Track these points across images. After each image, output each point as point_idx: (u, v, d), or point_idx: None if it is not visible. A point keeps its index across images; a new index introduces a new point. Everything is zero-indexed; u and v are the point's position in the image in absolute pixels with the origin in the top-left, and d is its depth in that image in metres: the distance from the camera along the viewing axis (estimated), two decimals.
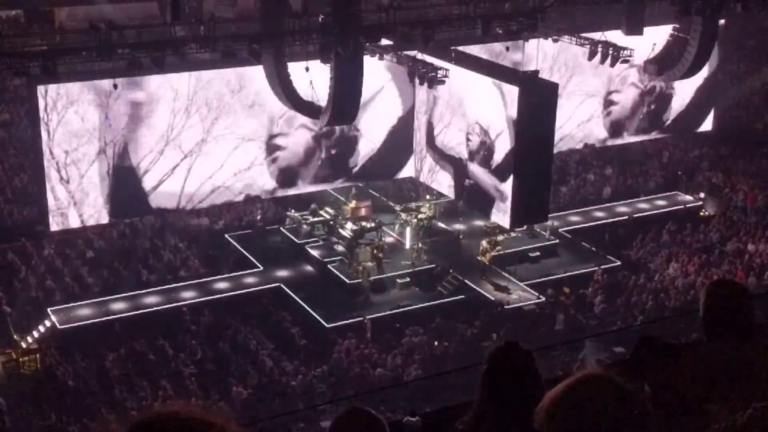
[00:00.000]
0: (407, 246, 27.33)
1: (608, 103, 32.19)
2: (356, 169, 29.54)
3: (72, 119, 24.88)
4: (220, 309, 24.33)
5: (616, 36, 28.15)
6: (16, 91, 28.62)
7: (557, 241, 28.27)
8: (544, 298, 25.36)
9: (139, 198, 26.49)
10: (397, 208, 29.01)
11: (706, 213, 30.27)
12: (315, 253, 27.20)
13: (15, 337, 22.32)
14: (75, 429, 19.38)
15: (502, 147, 25.62)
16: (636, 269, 26.73)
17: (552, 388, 2.84)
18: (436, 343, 22.99)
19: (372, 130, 28.90)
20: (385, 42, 25.38)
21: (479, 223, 28.51)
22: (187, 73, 25.41)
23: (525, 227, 27.71)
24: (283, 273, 26.30)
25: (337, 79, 22.84)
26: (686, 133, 34.22)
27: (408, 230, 27.60)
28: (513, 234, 27.87)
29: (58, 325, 23.19)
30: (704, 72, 30.06)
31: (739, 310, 4.59)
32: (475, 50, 28.04)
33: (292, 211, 28.48)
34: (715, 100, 33.50)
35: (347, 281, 25.67)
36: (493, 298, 25.30)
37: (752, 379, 4.22)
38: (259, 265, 26.53)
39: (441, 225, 28.76)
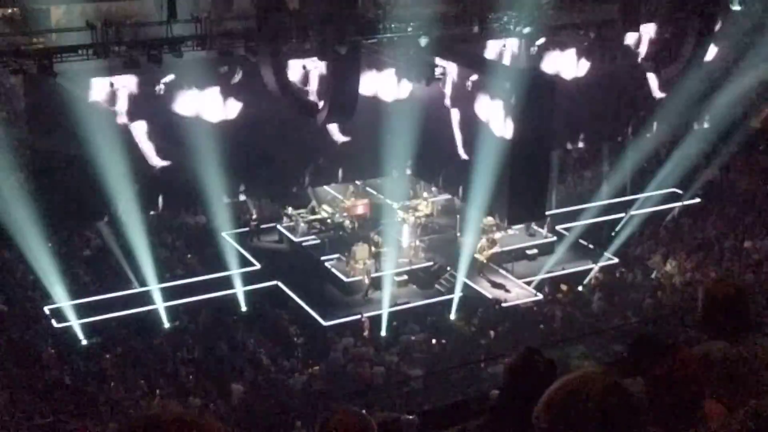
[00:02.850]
0: (405, 244, 27.33)
1: None
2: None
3: None
4: (218, 307, 24.33)
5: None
6: (13, 89, 28.54)
7: (554, 238, 28.29)
8: (542, 296, 25.37)
9: None
10: (395, 205, 29.02)
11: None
12: (312, 251, 27.21)
13: None
14: (72, 427, 19.37)
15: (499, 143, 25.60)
16: (634, 266, 26.74)
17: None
18: (434, 341, 23.00)
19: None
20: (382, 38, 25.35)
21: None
22: None
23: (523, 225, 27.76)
24: (280, 271, 26.25)
25: (335, 76, 22.81)
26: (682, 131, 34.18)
27: (405, 228, 27.59)
28: (511, 231, 27.91)
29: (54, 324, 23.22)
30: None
31: (736, 308, 4.60)
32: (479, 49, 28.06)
33: (290, 209, 28.47)
34: (712, 97, 33.45)
35: (345, 279, 25.67)
36: (490, 296, 25.30)
37: (749, 377, 4.21)
38: (256, 263, 26.52)
39: (439, 222, 28.80)
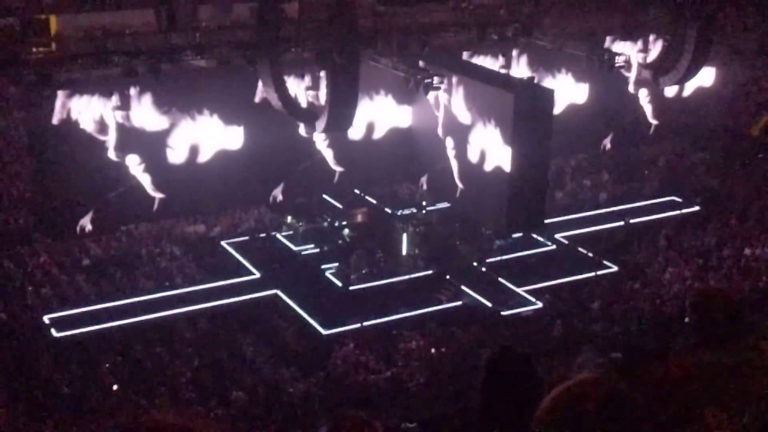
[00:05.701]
0: (404, 252, 27.33)
1: None
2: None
3: None
4: (217, 316, 24.31)
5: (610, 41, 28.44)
6: (12, 99, 28.61)
7: (554, 246, 28.29)
8: (541, 304, 25.35)
9: None
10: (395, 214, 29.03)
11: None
12: (312, 259, 27.20)
13: None
14: None
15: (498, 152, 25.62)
16: (633, 275, 26.73)
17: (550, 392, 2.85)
18: (432, 350, 22.98)
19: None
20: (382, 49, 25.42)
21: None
22: None
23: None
24: (279, 280, 26.22)
25: (334, 86, 22.84)
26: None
27: (405, 237, 27.59)
28: (511, 240, 27.92)
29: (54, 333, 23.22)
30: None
31: (722, 316, 4.62)
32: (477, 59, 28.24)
33: (289, 218, 28.47)
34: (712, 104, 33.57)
35: (345, 288, 25.68)
36: (490, 304, 25.28)
37: (742, 383, 4.23)
38: (255, 272, 26.49)
39: (438, 231, 28.78)
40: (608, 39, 28.94)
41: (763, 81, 34.77)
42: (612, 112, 31.74)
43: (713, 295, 4.77)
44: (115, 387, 21.15)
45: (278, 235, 28.36)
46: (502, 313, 24.88)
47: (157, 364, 22.20)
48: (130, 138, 24.95)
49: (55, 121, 24.21)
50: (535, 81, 27.59)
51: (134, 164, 25.29)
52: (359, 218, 28.50)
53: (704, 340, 4.58)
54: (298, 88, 25.85)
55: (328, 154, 28.04)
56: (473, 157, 26.22)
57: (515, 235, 27.65)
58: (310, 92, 25.88)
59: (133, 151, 25.18)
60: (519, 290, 26.03)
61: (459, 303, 25.58)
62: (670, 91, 31.11)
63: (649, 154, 34.24)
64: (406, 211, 29.00)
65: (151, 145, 25.27)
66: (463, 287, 25.97)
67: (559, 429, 2.73)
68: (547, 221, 27.10)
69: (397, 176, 30.27)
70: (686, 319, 4.73)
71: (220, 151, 26.13)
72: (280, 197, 28.28)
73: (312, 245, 27.80)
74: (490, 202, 26.06)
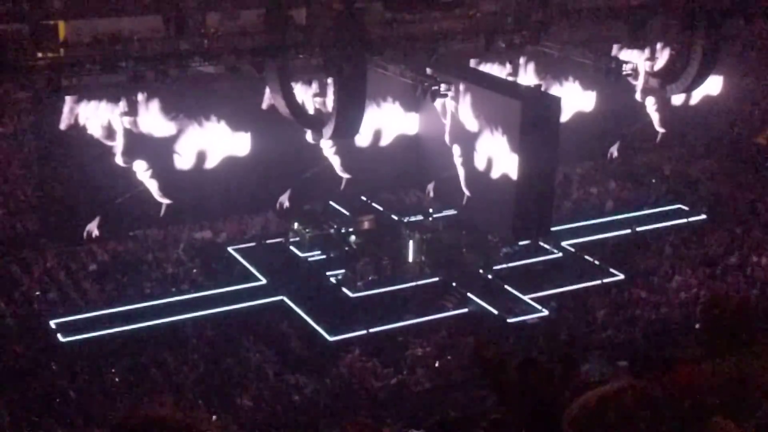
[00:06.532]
0: (410, 260, 27.32)
1: None
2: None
3: None
4: (223, 322, 24.31)
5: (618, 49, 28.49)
6: (20, 104, 28.72)
7: (560, 254, 28.26)
8: (547, 312, 25.32)
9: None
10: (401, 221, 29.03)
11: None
12: (318, 266, 27.22)
13: None
14: None
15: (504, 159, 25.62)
16: (639, 282, 26.68)
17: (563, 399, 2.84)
18: (437, 364, 22.94)
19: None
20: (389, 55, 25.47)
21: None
22: None
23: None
24: (286, 286, 26.23)
25: (341, 93, 22.90)
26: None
27: (411, 244, 27.59)
28: (517, 247, 27.91)
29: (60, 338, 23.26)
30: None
31: (736, 324, 4.61)
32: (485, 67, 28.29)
33: (296, 224, 28.49)
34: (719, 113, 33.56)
35: (350, 294, 25.68)
36: (496, 312, 25.26)
37: (751, 391, 4.22)
38: (262, 278, 26.50)
39: (444, 238, 28.79)
40: (615, 47, 28.95)
41: None
42: (619, 120, 31.76)
43: (725, 303, 4.76)
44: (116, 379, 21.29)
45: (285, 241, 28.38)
46: (508, 320, 24.85)
47: (163, 370, 22.21)
48: (138, 144, 25.04)
49: (63, 126, 24.33)
50: (543, 89, 27.61)
51: (141, 170, 25.37)
52: (366, 225, 28.49)
53: (713, 348, 4.58)
54: (305, 94, 25.92)
55: (335, 161, 28.08)
56: (480, 164, 26.23)
57: (522, 243, 27.62)
58: (318, 99, 25.94)
59: (141, 156, 25.26)
60: (525, 297, 26.00)
61: (465, 310, 25.55)
62: (678, 100, 31.12)
63: (655, 162, 34.19)
64: (413, 218, 29.00)
65: (158, 151, 25.36)
66: (469, 294, 25.95)
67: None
68: (553, 229, 27.08)
69: (403, 183, 30.28)
70: (696, 326, 4.75)
71: (227, 158, 26.19)
72: (286, 203, 28.32)
73: (319, 252, 27.81)
74: (497, 210, 26.07)
